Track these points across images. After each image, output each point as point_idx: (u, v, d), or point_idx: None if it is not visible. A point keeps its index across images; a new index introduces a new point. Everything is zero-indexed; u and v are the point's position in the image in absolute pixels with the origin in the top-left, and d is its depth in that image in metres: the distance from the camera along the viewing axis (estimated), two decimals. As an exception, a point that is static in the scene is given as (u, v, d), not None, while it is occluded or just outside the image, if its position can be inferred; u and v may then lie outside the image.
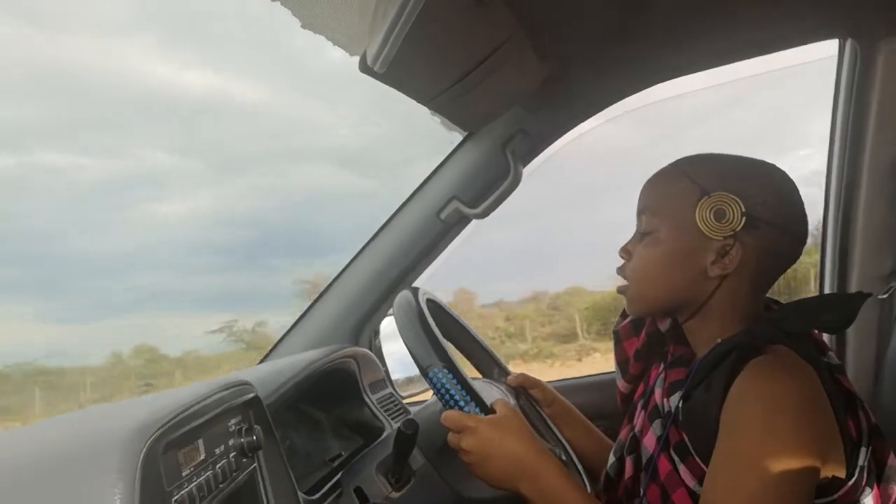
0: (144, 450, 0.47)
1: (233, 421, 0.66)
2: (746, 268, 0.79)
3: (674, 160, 0.86)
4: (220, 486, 0.60)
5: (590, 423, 1.09)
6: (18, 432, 0.62)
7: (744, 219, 0.77)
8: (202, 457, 0.58)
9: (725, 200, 0.77)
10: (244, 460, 0.67)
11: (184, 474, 0.54)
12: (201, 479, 0.57)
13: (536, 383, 1.10)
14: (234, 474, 0.64)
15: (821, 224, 1.42)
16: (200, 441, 0.58)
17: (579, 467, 0.96)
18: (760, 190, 0.79)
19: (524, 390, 1.09)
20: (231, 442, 0.64)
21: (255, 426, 0.68)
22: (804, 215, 0.82)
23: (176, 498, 0.52)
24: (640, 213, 0.86)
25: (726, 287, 0.80)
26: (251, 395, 0.70)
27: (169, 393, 0.68)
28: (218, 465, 0.60)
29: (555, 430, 1.04)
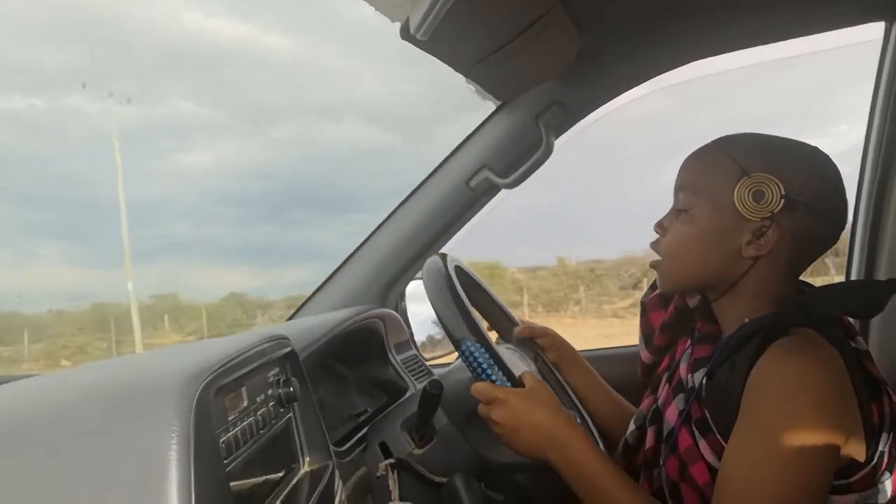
0: (198, 392, 0.50)
1: (272, 372, 0.69)
2: (781, 250, 0.79)
3: (716, 138, 0.86)
4: (261, 431, 0.64)
5: (598, 374, 1.11)
6: (79, 371, 0.66)
7: (782, 201, 0.77)
8: (245, 403, 0.62)
9: (765, 182, 0.77)
10: (281, 410, 0.70)
11: (229, 419, 0.58)
12: (244, 424, 0.60)
13: (544, 331, 1.12)
14: (273, 422, 0.67)
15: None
16: (244, 389, 0.62)
17: (592, 428, 0.99)
18: (801, 173, 0.79)
19: (532, 339, 1.11)
20: (270, 392, 0.68)
21: (292, 378, 0.72)
22: (844, 201, 0.82)
23: (223, 440, 0.55)
24: (677, 189, 0.86)
25: (759, 268, 0.80)
26: (288, 349, 0.74)
27: (215, 342, 0.72)
28: (259, 413, 0.64)
29: (569, 390, 1.07)
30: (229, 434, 0.57)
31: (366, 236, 1.41)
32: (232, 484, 0.55)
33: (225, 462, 0.54)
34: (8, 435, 0.51)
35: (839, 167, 0.82)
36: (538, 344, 1.11)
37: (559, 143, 1.32)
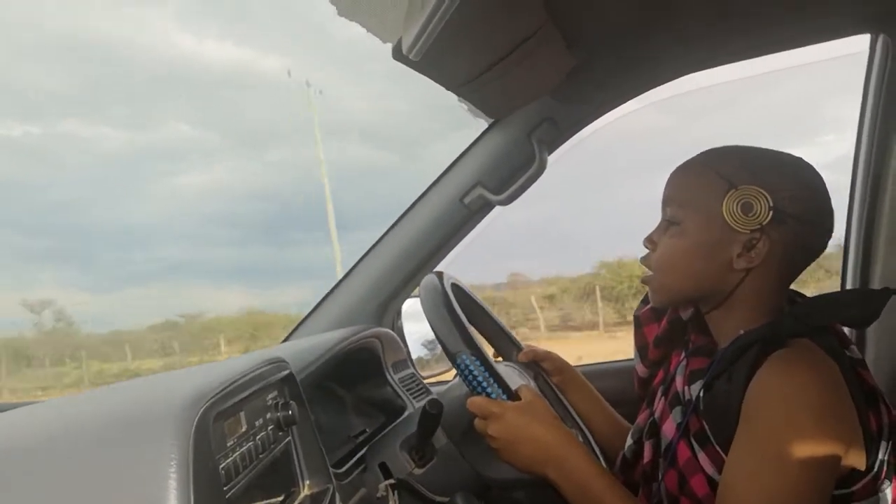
0: (196, 419, 0.49)
1: (270, 396, 0.69)
2: (772, 261, 0.80)
3: (701, 151, 0.87)
4: (260, 456, 0.63)
5: (600, 395, 1.11)
6: (76, 399, 0.66)
7: (771, 213, 0.78)
8: (244, 428, 0.61)
9: (753, 194, 0.78)
10: (280, 433, 0.70)
11: (228, 444, 0.57)
12: (243, 449, 0.60)
13: (546, 355, 1.12)
14: (272, 446, 0.67)
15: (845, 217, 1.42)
16: (242, 414, 0.61)
17: (594, 446, 0.98)
18: (788, 184, 0.79)
19: (535, 363, 1.11)
20: (269, 416, 0.67)
21: (291, 401, 0.71)
22: (831, 210, 0.83)
23: (222, 465, 0.55)
24: (665, 203, 0.87)
25: (751, 280, 0.81)
26: (286, 372, 0.73)
27: (213, 366, 0.71)
28: (258, 437, 0.64)
29: (570, 409, 1.07)
30: (228, 460, 0.57)
31: (361, 255, 1.41)
32: (232, 510, 0.54)
33: (225, 489, 0.54)
34: (7, 463, 0.50)
35: (827, 176, 0.83)
36: (542, 368, 1.11)
37: (552, 159, 1.33)
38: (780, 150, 0.84)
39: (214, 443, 0.53)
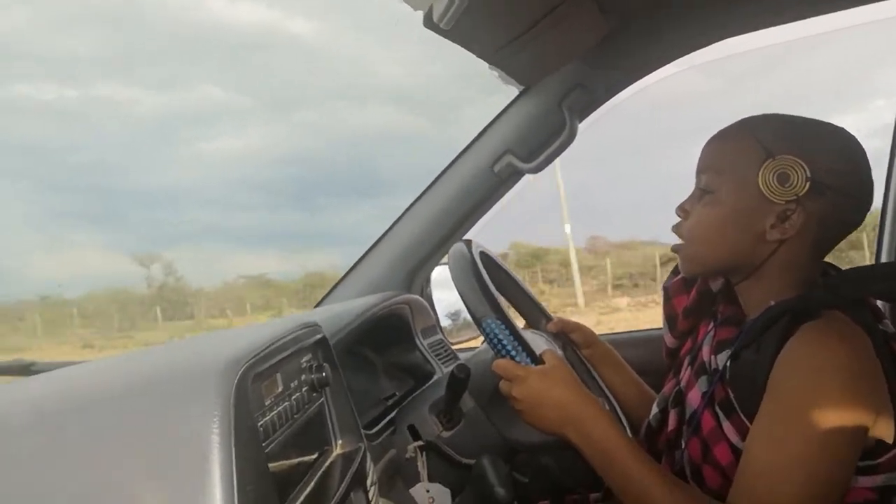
0: (237, 379, 0.52)
1: (305, 358, 0.72)
2: (807, 233, 0.79)
3: (740, 118, 0.85)
4: (295, 416, 0.66)
5: (629, 368, 1.12)
6: (120, 359, 0.69)
7: (808, 184, 0.76)
8: (280, 389, 0.64)
9: (790, 164, 0.77)
10: (314, 394, 0.73)
11: (266, 404, 0.60)
12: (279, 408, 0.63)
13: (577, 327, 1.12)
14: (306, 406, 0.70)
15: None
16: (279, 375, 0.64)
17: (621, 415, 1.00)
18: (828, 155, 0.78)
19: (564, 334, 1.12)
20: (303, 377, 0.70)
21: (324, 364, 0.74)
22: (871, 183, 0.81)
23: (261, 423, 0.57)
24: (700, 171, 0.86)
25: (784, 251, 0.80)
26: (320, 336, 0.76)
27: (250, 329, 0.74)
28: (293, 398, 0.66)
29: (599, 379, 1.08)
30: (266, 418, 0.59)
31: (391, 221, 1.43)
32: (269, 465, 0.57)
33: (263, 445, 0.56)
34: (55, 421, 0.53)
35: (875, 144, 0.82)
36: (571, 340, 1.12)
37: (583, 127, 1.32)
38: (827, 116, 0.82)
39: (253, 402, 0.56)
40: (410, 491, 0.96)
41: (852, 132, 0.83)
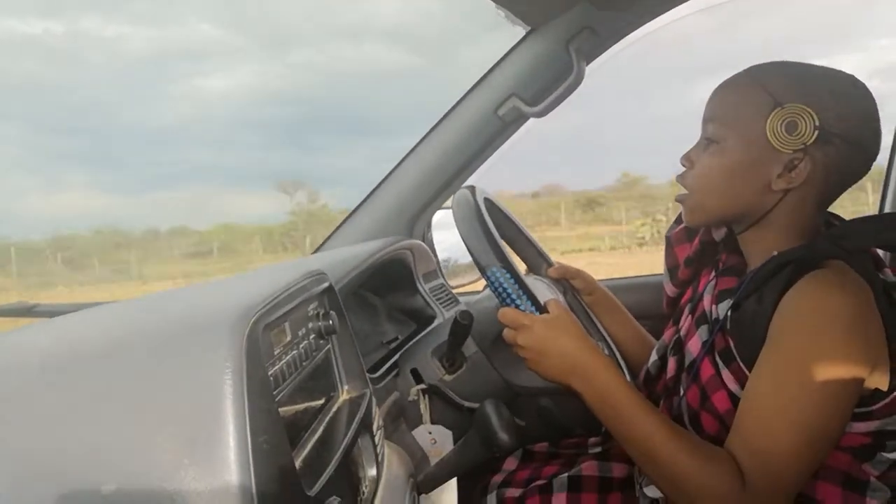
0: (248, 330, 0.52)
1: (311, 307, 0.72)
2: (813, 183, 0.79)
3: (747, 67, 0.83)
4: (303, 363, 0.67)
5: (629, 313, 1.13)
6: (131, 304, 0.69)
7: (816, 133, 0.76)
8: (288, 338, 0.64)
9: (799, 113, 0.76)
10: (321, 342, 0.73)
11: (275, 353, 0.61)
12: (288, 357, 0.63)
13: (577, 273, 1.13)
14: (314, 354, 0.70)
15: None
16: (287, 324, 0.64)
17: (621, 361, 1.01)
18: (836, 103, 0.77)
19: (566, 280, 1.13)
20: (310, 325, 0.70)
21: (331, 311, 0.74)
22: (879, 132, 0.80)
23: (271, 372, 0.58)
24: (706, 120, 0.84)
25: (789, 201, 0.80)
26: (326, 284, 0.76)
27: (257, 277, 0.74)
28: (301, 346, 0.67)
29: (599, 325, 1.10)
30: (276, 367, 0.60)
31: (393, 164, 1.41)
32: (280, 411, 0.58)
33: (273, 393, 0.57)
34: (64, 368, 0.53)
35: (878, 84, 0.80)
36: (572, 286, 1.12)
37: (590, 69, 1.29)
38: (829, 56, 0.81)
39: (264, 351, 0.56)
40: (413, 432, 0.98)
41: (853, 72, 0.81)
